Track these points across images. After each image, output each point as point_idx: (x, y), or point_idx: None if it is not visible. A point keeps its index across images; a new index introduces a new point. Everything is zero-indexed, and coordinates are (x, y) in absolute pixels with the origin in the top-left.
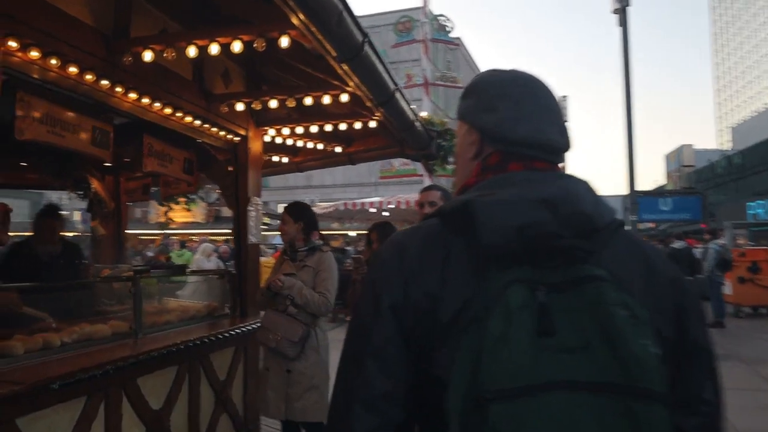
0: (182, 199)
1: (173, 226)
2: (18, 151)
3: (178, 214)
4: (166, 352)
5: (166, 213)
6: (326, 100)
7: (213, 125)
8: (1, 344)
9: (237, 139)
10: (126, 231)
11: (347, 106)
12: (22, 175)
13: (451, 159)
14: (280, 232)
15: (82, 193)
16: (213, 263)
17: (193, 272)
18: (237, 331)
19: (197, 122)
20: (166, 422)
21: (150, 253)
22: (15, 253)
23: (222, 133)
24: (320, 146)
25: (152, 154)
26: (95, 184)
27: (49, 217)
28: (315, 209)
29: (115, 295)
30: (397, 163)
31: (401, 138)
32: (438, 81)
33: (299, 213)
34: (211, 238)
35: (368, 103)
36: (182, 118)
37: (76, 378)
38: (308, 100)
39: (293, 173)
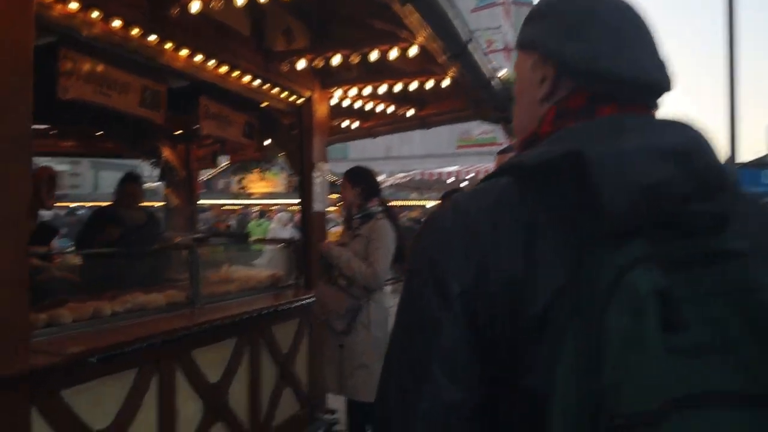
0: (257, 170)
1: (255, 197)
2: (95, 119)
3: (256, 184)
4: (224, 324)
5: (240, 181)
6: (393, 54)
7: (274, 85)
8: (50, 313)
9: (301, 101)
10: (199, 201)
11: (417, 63)
12: (99, 143)
13: None
14: (340, 198)
15: (154, 161)
16: (288, 232)
17: (258, 241)
18: (301, 302)
19: (256, 82)
20: (224, 396)
21: (232, 222)
22: (99, 217)
23: (284, 94)
24: (391, 109)
25: (209, 117)
26: (166, 153)
27: (130, 182)
28: (391, 180)
29: (184, 265)
30: (476, 131)
31: (477, 98)
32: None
33: (358, 177)
34: (291, 207)
35: (440, 59)
36: (240, 77)
37: (122, 350)
38: (374, 55)
39: (371, 142)
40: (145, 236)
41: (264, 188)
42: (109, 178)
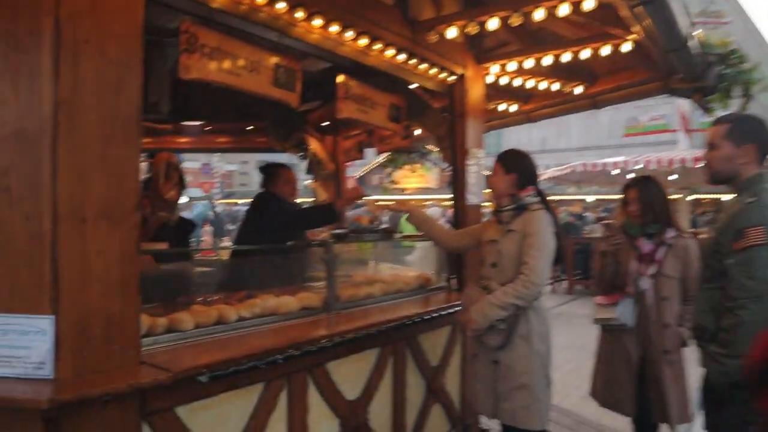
0: (409, 166)
1: (408, 192)
2: (246, 113)
3: (408, 179)
4: (365, 332)
5: (389, 175)
6: (563, 10)
7: (422, 61)
8: (171, 317)
9: (452, 78)
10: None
11: (590, 26)
12: (250, 138)
13: (736, 91)
14: (489, 187)
15: (302, 155)
16: None
17: (406, 237)
18: (453, 308)
19: (401, 57)
20: (363, 414)
21: (384, 217)
22: (265, 203)
23: (433, 71)
24: (555, 86)
25: (349, 98)
26: (313, 145)
27: (287, 169)
28: (548, 173)
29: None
30: (644, 117)
31: (667, 65)
32: (698, 19)
33: (514, 162)
34: (444, 203)
35: (623, 11)
36: (382, 51)
37: (241, 365)
38: (539, 14)
39: (526, 134)
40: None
41: (416, 183)
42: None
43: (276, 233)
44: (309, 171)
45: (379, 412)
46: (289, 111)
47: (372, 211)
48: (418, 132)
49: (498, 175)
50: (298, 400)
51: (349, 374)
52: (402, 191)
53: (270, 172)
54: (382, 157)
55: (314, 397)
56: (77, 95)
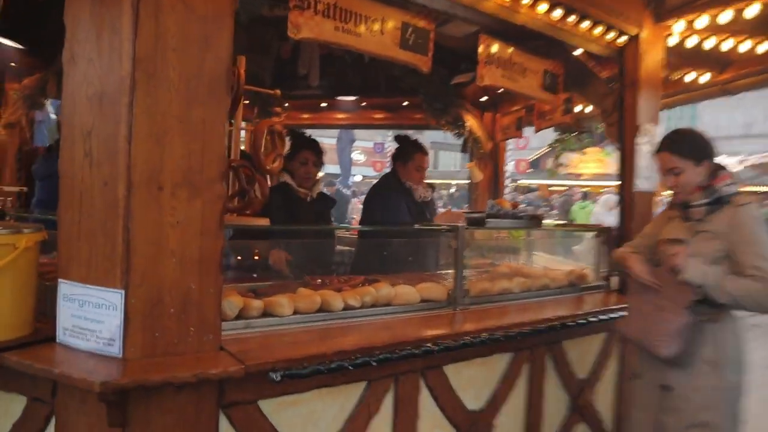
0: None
1: (583, 178)
2: (399, 87)
3: (587, 164)
4: (496, 335)
5: (557, 158)
6: None
7: (583, 18)
8: (267, 300)
9: (623, 40)
10: (521, 180)
11: None
12: (406, 114)
13: None
14: (672, 189)
15: (458, 132)
16: (614, 217)
17: (561, 226)
18: (611, 313)
19: (557, 13)
20: (487, 428)
21: (556, 203)
22: (388, 187)
23: (598, 30)
24: (763, 48)
25: (492, 62)
26: (470, 122)
27: (420, 152)
28: (752, 159)
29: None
30: None
31: None
32: None
33: (699, 148)
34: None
35: None
36: (533, 6)
37: (329, 364)
38: None
39: (726, 116)
40: (430, 214)
41: (594, 168)
42: (446, 158)
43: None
44: (465, 150)
45: (508, 427)
46: (443, 85)
47: (544, 197)
48: (582, 109)
49: (688, 171)
50: (407, 404)
51: (473, 381)
52: (577, 176)
53: (404, 146)
54: (556, 138)
55: (427, 403)
56: (158, 52)
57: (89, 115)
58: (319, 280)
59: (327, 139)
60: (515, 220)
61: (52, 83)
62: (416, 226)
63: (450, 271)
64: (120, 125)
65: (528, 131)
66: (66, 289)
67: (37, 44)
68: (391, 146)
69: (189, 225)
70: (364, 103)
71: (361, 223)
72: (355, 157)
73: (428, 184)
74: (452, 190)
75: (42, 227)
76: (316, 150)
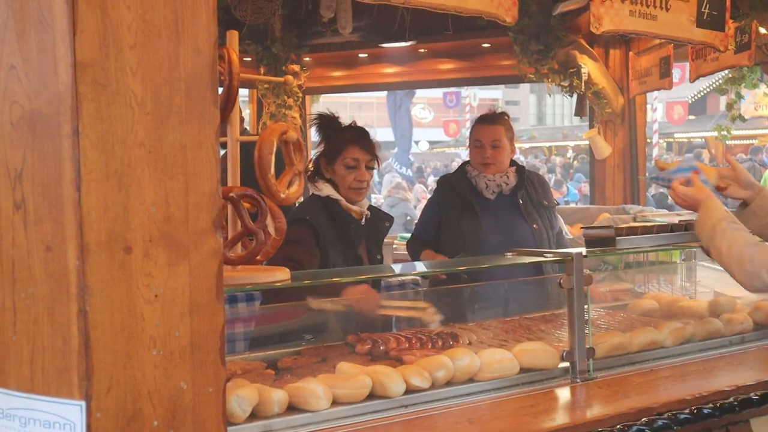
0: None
1: None
2: (474, 24)
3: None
4: (638, 425)
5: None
6: None
7: None
8: (295, 388)
9: None
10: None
11: None
12: (488, 60)
13: None
14: None
15: (569, 84)
16: None
17: None
18: None
19: None
20: None
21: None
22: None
23: None
24: None
25: None
26: (589, 68)
27: (491, 125)
28: None
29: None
30: None
31: None
32: None
33: None
34: None
35: None
36: None
37: None
38: None
39: None
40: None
41: None
42: (555, 108)
43: None
44: (582, 112)
45: None
46: (544, 16)
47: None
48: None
49: None
50: None
51: None
52: None
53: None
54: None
55: None
56: (109, 52)
57: (17, 149)
58: (369, 343)
59: (371, 93)
60: (674, 235)
61: None
62: (508, 254)
63: (558, 312)
64: (63, 162)
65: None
66: (1, 401)
67: None
68: (469, 96)
69: (172, 299)
70: (423, 50)
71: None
72: (418, 115)
73: (514, 163)
74: (569, 156)
75: None
76: (366, 144)
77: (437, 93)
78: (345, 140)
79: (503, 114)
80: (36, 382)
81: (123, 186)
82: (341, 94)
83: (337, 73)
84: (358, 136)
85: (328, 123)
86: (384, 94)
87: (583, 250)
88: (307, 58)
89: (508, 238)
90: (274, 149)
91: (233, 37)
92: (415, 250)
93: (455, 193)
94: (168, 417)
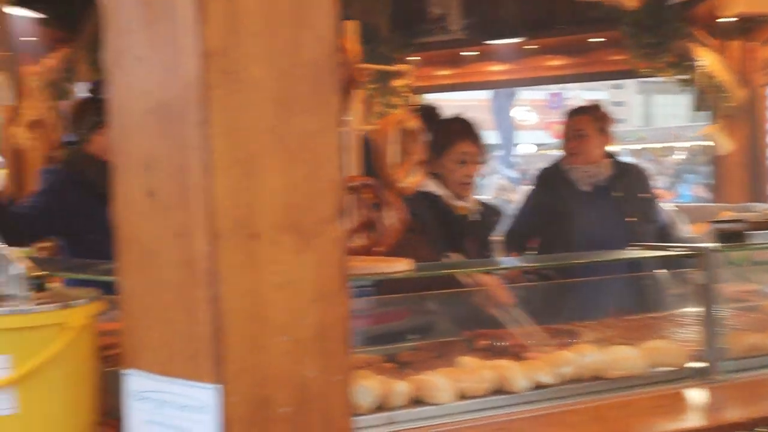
0: None
1: None
2: (585, 18)
3: None
4: None
5: None
6: None
7: None
8: (418, 380)
9: None
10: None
11: None
12: (599, 56)
13: None
14: None
15: (686, 78)
16: None
17: None
18: None
19: None
20: None
21: None
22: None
23: None
24: None
25: None
26: (707, 59)
27: (575, 115)
28: None
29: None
30: None
31: None
32: None
33: None
34: None
35: None
36: None
37: None
38: None
39: None
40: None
41: None
42: (664, 107)
43: None
44: (701, 106)
45: None
46: (657, 7)
47: None
48: None
49: None
50: None
51: None
52: None
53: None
54: None
55: None
56: (235, 40)
57: (148, 138)
58: (488, 339)
59: (474, 95)
60: None
61: (81, 62)
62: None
63: (682, 310)
64: (192, 150)
65: None
66: (135, 383)
67: (57, 7)
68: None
69: (299, 286)
70: (532, 46)
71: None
72: (521, 117)
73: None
74: (679, 157)
75: (97, 292)
76: (475, 137)
77: (540, 95)
78: (453, 133)
79: (593, 105)
80: (169, 366)
81: (250, 173)
82: (445, 95)
83: (442, 72)
84: (467, 129)
85: (431, 115)
86: (486, 96)
87: (715, 245)
88: (414, 57)
89: (604, 231)
90: (391, 137)
91: (349, 27)
92: (512, 243)
93: (551, 185)
94: (296, 404)
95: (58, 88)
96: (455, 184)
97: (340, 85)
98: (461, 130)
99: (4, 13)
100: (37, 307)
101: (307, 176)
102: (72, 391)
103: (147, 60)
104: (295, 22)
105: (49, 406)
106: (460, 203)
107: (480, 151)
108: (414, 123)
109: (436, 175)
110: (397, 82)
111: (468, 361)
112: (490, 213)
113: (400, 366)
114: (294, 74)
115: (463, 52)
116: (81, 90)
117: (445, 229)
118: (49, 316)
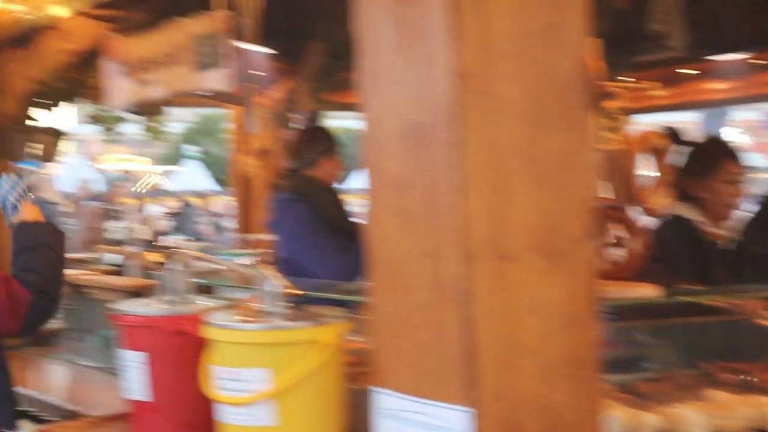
0: None
1: None
2: None
3: None
4: None
5: None
6: None
7: None
8: (667, 413)
9: None
10: None
11: None
12: None
13: None
14: None
15: None
16: None
17: None
18: None
19: None
20: None
21: None
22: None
23: None
24: None
25: None
26: None
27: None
28: None
29: None
30: None
31: None
32: None
33: None
34: None
35: None
36: None
37: None
38: None
39: None
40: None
41: None
42: None
43: None
44: None
45: None
46: None
47: None
48: None
49: None
50: None
51: None
52: None
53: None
54: None
55: None
56: (488, 61)
57: (400, 159)
58: (734, 374)
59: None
60: None
61: (302, 93)
62: None
63: None
64: (446, 171)
65: None
66: (385, 401)
67: (283, 43)
68: None
69: (550, 309)
70: (756, 61)
71: None
72: (734, 139)
73: None
74: None
75: (342, 311)
76: (739, 158)
77: (753, 115)
78: (721, 154)
79: None
80: (419, 386)
81: (503, 193)
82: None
83: (659, 92)
84: (730, 149)
85: (677, 136)
86: (698, 117)
87: None
88: (628, 78)
89: None
90: (640, 159)
91: (592, 43)
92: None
93: None
94: (547, 431)
95: (281, 118)
96: (720, 206)
97: (589, 103)
98: (725, 150)
99: (243, 49)
100: (295, 323)
101: (558, 196)
102: (325, 405)
103: (400, 81)
104: (547, 42)
105: (305, 419)
106: (713, 230)
107: (744, 171)
108: (662, 142)
109: (692, 199)
110: (609, 104)
111: (721, 395)
112: (753, 240)
113: (638, 397)
114: (545, 94)
115: (680, 69)
116: (299, 120)
117: (692, 257)
118: (305, 332)
